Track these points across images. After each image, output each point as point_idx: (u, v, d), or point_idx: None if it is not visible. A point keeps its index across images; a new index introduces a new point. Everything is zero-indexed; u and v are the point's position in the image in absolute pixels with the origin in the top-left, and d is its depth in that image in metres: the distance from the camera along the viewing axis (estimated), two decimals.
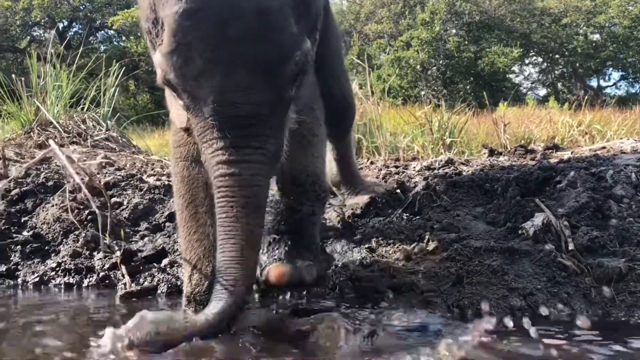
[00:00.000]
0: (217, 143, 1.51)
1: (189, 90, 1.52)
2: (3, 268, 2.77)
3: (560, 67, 26.86)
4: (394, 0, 25.04)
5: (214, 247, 2.07)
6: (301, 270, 1.98)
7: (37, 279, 2.70)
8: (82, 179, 2.60)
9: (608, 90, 27.36)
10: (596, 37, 25.66)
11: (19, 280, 2.72)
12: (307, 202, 2.05)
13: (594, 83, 27.54)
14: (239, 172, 1.50)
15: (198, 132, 1.56)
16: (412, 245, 2.56)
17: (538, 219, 2.31)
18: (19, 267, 2.80)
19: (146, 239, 2.98)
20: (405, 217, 2.94)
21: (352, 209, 3.17)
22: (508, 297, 2.05)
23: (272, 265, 1.98)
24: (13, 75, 5.56)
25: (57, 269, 2.74)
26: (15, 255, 2.86)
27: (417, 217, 2.94)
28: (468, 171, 3.47)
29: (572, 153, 3.37)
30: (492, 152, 3.85)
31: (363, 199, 3.20)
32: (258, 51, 1.45)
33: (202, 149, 1.57)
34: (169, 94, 1.75)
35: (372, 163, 4.30)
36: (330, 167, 3.35)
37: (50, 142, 1.84)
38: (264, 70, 1.47)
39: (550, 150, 3.77)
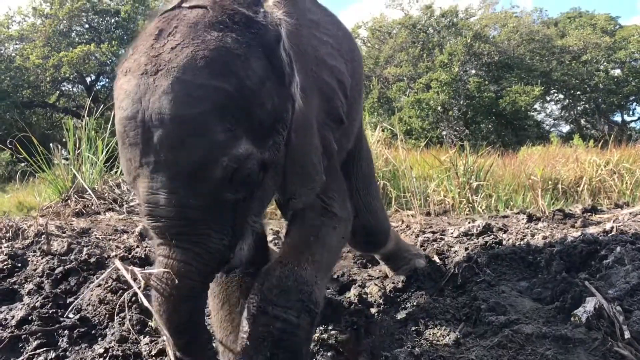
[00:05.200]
0: (157, 240, 1.61)
1: (134, 191, 1.63)
2: (52, 355, 2.79)
3: (583, 103, 26.75)
4: (413, 44, 25.34)
5: None
6: None
7: None
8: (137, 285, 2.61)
9: (633, 125, 27.13)
10: (617, 72, 25.58)
11: None
12: (290, 311, 1.81)
13: (617, 118, 27.33)
14: (174, 267, 1.58)
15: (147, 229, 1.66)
16: (460, 327, 2.54)
17: (590, 305, 2.27)
18: (67, 353, 2.82)
19: None
20: (449, 293, 2.93)
21: (393, 282, 3.16)
22: None
23: None
24: (51, 145, 5.72)
25: (105, 355, 2.75)
26: (63, 341, 2.89)
27: (461, 291, 2.92)
28: (508, 239, 3.46)
29: (614, 222, 3.34)
30: (530, 218, 3.83)
31: (404, 272, 3.20)
32: (178, 156, 1.50)
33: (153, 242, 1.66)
34: None
35: (407, 227, 4.30)
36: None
37: (116, 262, 1.89)
38: (186, 175, 1.52)
39: (589, 214, 3.74)
